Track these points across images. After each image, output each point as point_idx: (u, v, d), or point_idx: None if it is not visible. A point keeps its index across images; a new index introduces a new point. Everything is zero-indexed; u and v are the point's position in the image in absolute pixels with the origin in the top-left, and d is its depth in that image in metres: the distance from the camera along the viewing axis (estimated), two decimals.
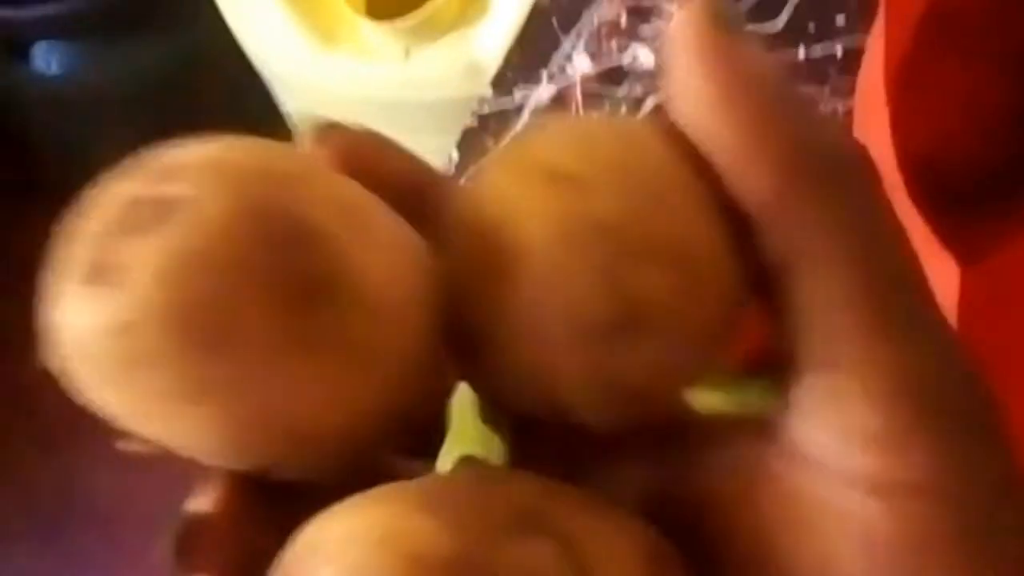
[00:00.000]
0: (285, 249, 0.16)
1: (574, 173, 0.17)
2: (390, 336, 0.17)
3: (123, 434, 0.18)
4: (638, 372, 0.18)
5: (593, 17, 0.59)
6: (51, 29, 1.13)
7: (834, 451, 0.18)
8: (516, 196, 0.18)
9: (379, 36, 0.85)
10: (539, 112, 0.56)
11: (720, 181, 0.19)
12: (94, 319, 0.16)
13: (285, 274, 0.16)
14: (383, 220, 0.18)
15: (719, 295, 0.18)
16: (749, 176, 0.18)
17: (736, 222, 0.19)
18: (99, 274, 0.16)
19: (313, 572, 0.16)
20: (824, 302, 0.18)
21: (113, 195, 0.17)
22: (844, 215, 0.18)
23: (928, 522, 0.17)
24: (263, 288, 0.16)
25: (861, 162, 0.19)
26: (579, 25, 0.58)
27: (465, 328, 0.18)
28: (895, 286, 0.18)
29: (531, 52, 0.58)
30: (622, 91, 0.57)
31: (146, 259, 0.16)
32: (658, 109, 0.53)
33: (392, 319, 0.17)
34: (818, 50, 0.55)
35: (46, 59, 1.16)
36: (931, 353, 0.18)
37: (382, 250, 0.18)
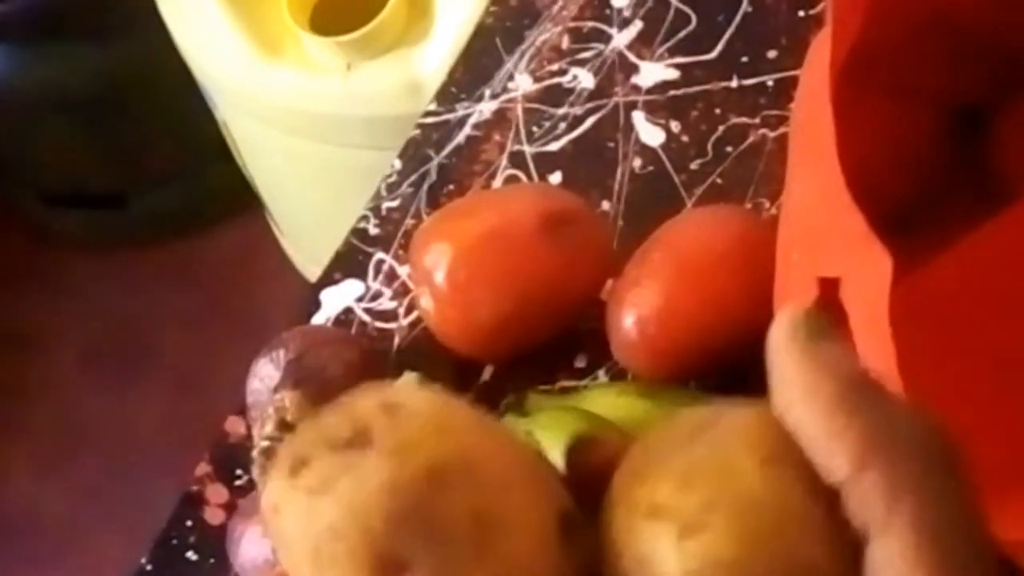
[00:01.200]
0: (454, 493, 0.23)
1: (693, 521, 0.22)
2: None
3: None
4: None
5: (536, 38, 0.59)
6: None
7: None
8: (649, 543, 0.23)
9: (321, 50, 0.85)
10: (481, 127, 0.57)
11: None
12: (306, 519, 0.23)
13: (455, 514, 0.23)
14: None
15: None
16: (832, 456, 0.22)
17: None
18: (321, 485, 0.23)
19: None
20: (887, 564, 0.21)
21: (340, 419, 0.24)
22: (913, 488, 0.21)
23: None
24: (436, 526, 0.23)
25: (934, 439, 0.22)
26: (522, 46, 0.59)
27: None
28: (960, 551, 0.21)
29: (474, 69, 0.59)
30: (562, 111, 0.57)
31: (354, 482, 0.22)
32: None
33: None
34: (750, 81, 0.56)
35: None
36: None
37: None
